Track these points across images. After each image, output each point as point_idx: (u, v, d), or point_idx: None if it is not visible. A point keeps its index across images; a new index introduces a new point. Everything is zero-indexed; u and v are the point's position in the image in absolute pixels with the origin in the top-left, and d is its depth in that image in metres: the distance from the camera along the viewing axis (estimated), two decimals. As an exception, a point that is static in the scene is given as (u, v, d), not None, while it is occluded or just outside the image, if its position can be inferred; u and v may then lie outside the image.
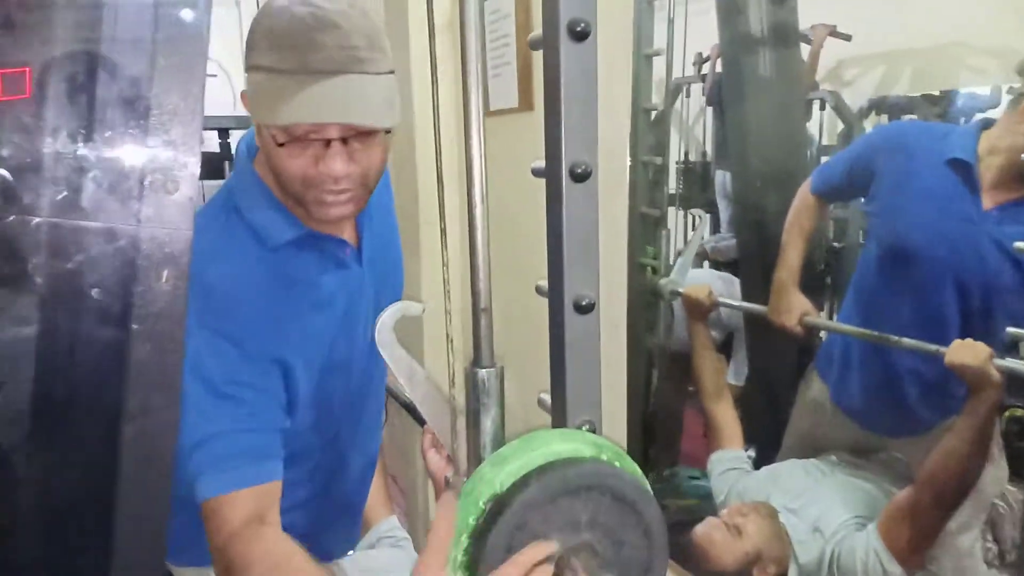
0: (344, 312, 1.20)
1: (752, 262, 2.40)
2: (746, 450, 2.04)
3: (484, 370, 0.76)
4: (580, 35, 0.72)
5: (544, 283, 0.83)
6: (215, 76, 3.29)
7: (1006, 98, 2.50)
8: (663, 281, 2.21)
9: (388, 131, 1.04)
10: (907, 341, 1.52)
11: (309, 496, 1.29)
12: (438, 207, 0.84)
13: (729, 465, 1.87)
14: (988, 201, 1.52)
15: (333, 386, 1.22)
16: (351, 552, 1.54)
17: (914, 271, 1.62)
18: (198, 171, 0.62)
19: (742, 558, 1.55)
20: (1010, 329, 1.34)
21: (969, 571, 1.70)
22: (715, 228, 2.77)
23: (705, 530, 1.61)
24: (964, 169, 1.55)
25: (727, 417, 1.94)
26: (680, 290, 2.12)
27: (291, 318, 1.10)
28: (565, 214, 0.77)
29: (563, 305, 0.79)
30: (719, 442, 1.93)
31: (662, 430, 2.76)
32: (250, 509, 0.97)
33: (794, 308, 1.79)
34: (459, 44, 0.74)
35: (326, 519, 1.38)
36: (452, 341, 0.81)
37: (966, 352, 1.38)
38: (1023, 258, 1.43)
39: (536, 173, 0.82)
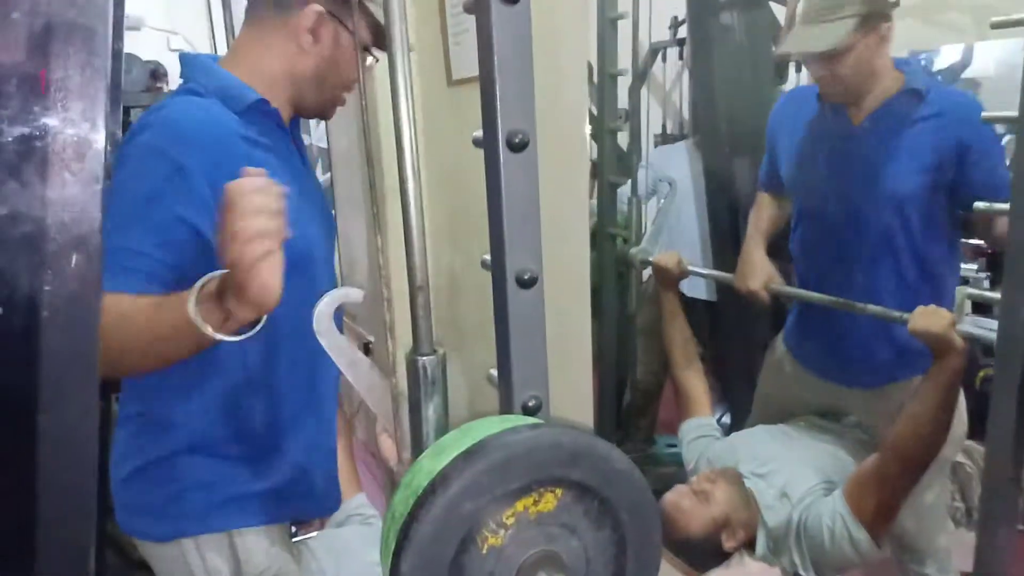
0: (299, 199, 1.19)
1: (722, 229, 2.38)
2: (719, 418, 2.04)
3: (424, 357, 0.73)
4: (512, -3, 0.68)
5: (488, 258, 0.80)
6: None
7: (978, 56, 2.50)
8: (633, 250, 2.19)
9: None
10: (872, 308, 1.52)
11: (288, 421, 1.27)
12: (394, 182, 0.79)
13: (699, 433, 1.86)
14: (856, 119, 1.67)
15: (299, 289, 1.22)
16: (314, 533, 1.52)
17: (821, 200, 1.74)
18: (103, 148, 0.59)
19: (710, 524, 1.55)
20: (969, 291, 1.34)
21: (931, 531, 1.71)
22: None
23: (673, 498, 1.60)
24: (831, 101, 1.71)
25: (697, 385, 1.92)
26: (650, 259, 2.10)
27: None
28: (504, 185, 0.73)
29: (505, 280, 0.76)
30: (689, 410, 1.92)
31: (638, 399, 2.77)
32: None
33: (759, 273, 1.79)
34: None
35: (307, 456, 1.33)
36: (392, 328, 0.78)
37: (929, 319, 1.37)
38: (899, 165, 1.59)
39: (476, 143, 0.79)
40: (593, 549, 0.68)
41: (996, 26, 1.04)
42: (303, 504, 1.33)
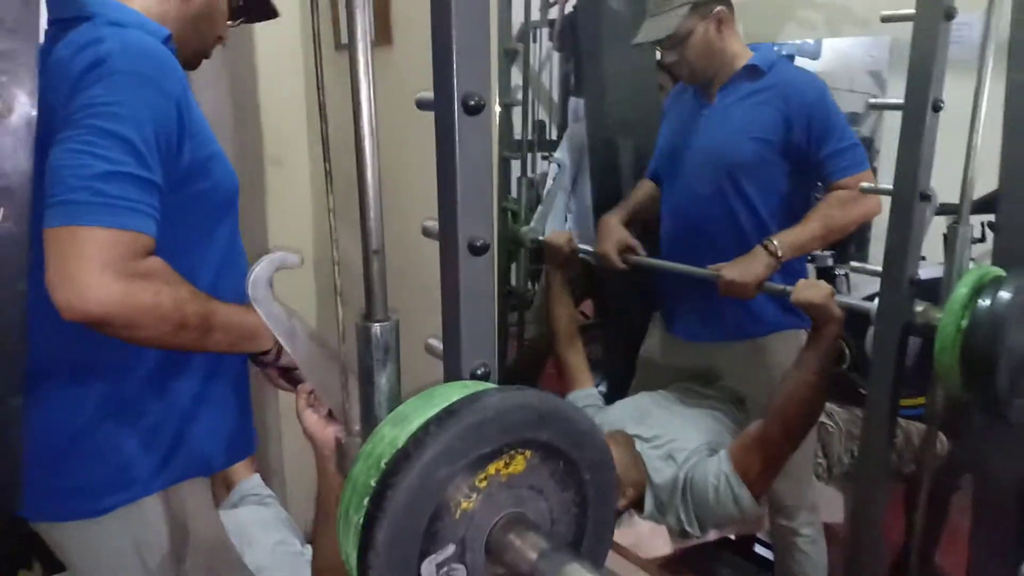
0: None
1: (606, 207, 2.44)
2: (596, 385, 2.11)
3: (378, 324, 0.71)
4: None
5: (430, 223, 0.78)
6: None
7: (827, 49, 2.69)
8: (524, 229, 2.20)
9: None
10: (770, 285, 1.61)
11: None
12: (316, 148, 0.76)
13: (584, 403, 1.93)
14: (711, 99, 1.85)
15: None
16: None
17: (678, 175, 1.89)
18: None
19: None
20: (854, 264, 1.45)
21: (800, 487, 1.86)
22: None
23: None
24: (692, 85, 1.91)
25: (579, 360, 2.00)
26: (541, 237, 2.13)
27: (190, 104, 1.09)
28: (459, 150, 0.72)
29: (457, 247, 0.74)
30: (573, 383, 1.98)
31: (522, 370, 2.81)
32: (119, 252, 0.90)
33: (612, 237, 1.90)
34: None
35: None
36: (341, 293, 0.74)
37: (810, 291, 1.48)
38: (734, 134, 1.76)
39: (422, 105, 0.76)
40: (558, 510, 0.69)
41: (886, 19, 1.12)
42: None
